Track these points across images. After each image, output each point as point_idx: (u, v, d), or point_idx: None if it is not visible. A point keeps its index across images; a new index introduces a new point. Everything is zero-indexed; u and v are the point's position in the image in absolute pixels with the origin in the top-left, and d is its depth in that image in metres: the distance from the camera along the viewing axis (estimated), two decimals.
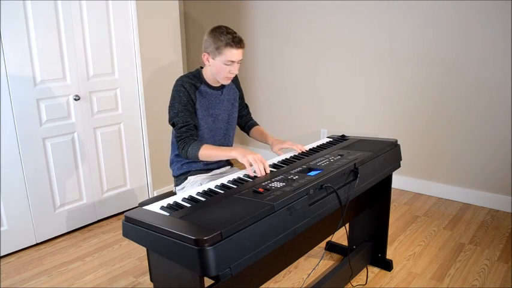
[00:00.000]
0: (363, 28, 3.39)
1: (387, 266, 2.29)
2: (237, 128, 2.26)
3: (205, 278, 1.23)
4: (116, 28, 2.90)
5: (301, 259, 2.43)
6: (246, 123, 2.26)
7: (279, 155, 2.02)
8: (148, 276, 2.32)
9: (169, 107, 1.92)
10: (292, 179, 1.57)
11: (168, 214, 1.34)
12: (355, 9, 3.39)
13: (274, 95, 4.12)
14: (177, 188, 2.09)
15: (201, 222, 1.24)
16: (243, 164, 1.71)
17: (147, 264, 2.36)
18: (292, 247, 1.75)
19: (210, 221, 1.24)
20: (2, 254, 2.57)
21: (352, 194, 1.72)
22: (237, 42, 1.82)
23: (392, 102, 3.37)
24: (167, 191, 2.47)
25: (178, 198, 1.50)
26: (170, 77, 3.28)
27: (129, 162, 3.12)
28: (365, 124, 3.56)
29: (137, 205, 3.05)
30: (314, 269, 2.34)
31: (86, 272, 2.39)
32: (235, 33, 1.84)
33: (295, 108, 3.99)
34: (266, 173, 1.68)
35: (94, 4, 2.76)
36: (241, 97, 2.21)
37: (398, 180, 3.47)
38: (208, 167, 2.08)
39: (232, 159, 1.82)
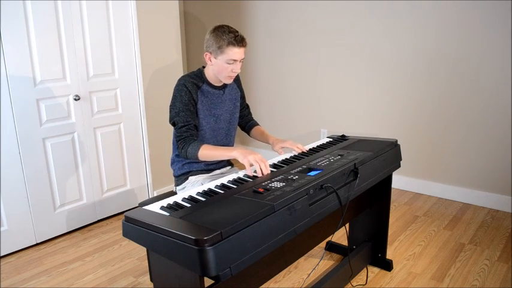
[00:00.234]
0: (363, 28, 3.39)
1: (387, 266, 2.29)
2: (238, 128, 2.26)
3: (205, 278, 1.23)
4: (116, 28, 2.90)
5: (301, 259, 2.43)
6: (247, 123, 2.26)
7: (280, 154, 2.02)
8: (148, 276, 2.32)
9: (170, 106, 1.92)
10: (292, 179, 1.57)
11: (168, 214, 1.34)
12: (355, 9, 3.39)
13: (274, 94, 4.12)
14: (178, 187, 2.09)
15: (201, 222, 1.24)
16: (243, 164, 1.71)
17: (147, 264, 2.36)
18: (292, 247, 1.75)
19: (210, 221, 1.24)
20: (2, 254, 2.57)
21: (352, 194, 1.72)
22: (239, 41, 1.82)
23: (393, 102, 3.37)
24: (167, 191, 2.47)
25: (178, 198, 1.50)
26: (170, 77, 3.28)
27: (129, 162, 3.12)
28: (365, 124, 3.56)
29: (137, 205, 3.05)
30: (314, 269, 2.34)
31: (86, 272, 2.39)
32: (237, 32, 1.84)
33: (295, 108, 3.99)
34: (267, 173, 1.68)
35: (94, 4, 2.76)
36: (243, 97, 2.21)
37: (399, 180, 3.47)
38: (209, 167, 2.08)
39: (233, 159, 1.82)
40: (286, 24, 3.86)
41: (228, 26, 1.85)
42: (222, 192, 1.52)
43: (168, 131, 3.31)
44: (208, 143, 1.99)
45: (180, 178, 2.07)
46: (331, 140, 2.26)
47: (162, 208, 1.41)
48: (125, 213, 1.37)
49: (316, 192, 1.53)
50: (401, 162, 2.76)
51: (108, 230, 2.91)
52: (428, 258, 2.41)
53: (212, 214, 1.29)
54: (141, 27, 3.03)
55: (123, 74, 2.99)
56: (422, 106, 3.22)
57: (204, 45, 1.90)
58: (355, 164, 1.75)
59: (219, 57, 1.85)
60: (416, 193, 3.39)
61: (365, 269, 2.29)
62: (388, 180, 2.19)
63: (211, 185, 1.62)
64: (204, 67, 1.99)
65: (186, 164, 2.05)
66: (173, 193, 2.13)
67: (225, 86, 2.03)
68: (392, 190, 3.44)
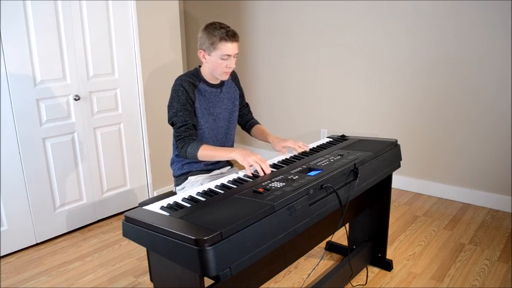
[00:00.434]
0: (363, 28, 3.39)
1: (387, 266, 2.29)
2: (238, 127, 2.26)
3: (205, 278, 1.23)
4: (116, 28, 2.90)
5: (301, 259, 2.43)
6: (247, 122, 2.25)
7: (282, 153, 2.00)
8: (148, 276, 2.32)
9: (168, 106, 1.92)
10: (292, 179, 1.57)
11: (168, 214, 1.34)
12: (355, 9, 3.39)
13: (274, 94, 4.12)
14: (178, 188, 2.09)
15: (201, 222, 1.24)
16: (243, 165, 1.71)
17: (147, 264, 2.36)
18: (292, 247, 1.75)
19: (210, 221, 1.24)
20: (2, 254, 2.57)
21: (352, 194, 1.72)
22: (231, 35, 1.83)
23: (393, 102, 3.37)
24: (167, 191, 2.47)
25: (178, 198, 1.50)
26: (170, 76, 3.28)
27: (129, 162, 3.12)
28: (365, 124, 3.56)
29: (137, 205, 3.05)
30: (314, 269, 2.34)
31: (86, 272, 2.39)
32: (228, 27, 1.84)
33: (295, 108, 3.99)
34: (267, 174, 1.68)
35: (94, 4, 2.76)
36: (242, 96, 2.20)
37: (399, 180, 3.47)
38: (209, 167, 2.07)
39: (233, 159, 1.83)
40: (286, 24, 3.86)
41: (219, 23, 1.85)
42: (222, 192, 1.52)
43: (168, 131, 3.31)
44: (208, 142, 1.99)
45: (180, 178, 2.07)
46: (331, 140, 2.26)
47: (162, 208, 1.41)
48: (124, 213, 1.37)
49: (316, 192, 1.53)
50: (401, 162, 2.76)
51: (108, 230, 2.91)
52: (428, 258, 2.41)
53: (212, 214, 1.29)
54: (141, 27, 3.03)
55: (123, 74, 2.99)
56: (422, 106, 3.22)
57: (198, 44, 1.90)
58: (355, 164, 1.75)
59: (213, 53, 1.85)
60: (416, 193, 3.39)
61: (365, 269, 2.29)
62: (388, 180, 2.19)
63: (211, 185, 1.62)
64: (200, 66, 1.99)
65: (185, 164, 2.05)
66: (173, 193, 2.13)
67: (222, 84, 2.03)
68: (392, 190, 3.44)
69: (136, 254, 2.57)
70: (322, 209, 1.55)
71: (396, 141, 2.11)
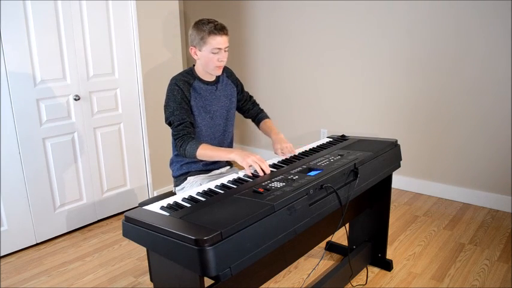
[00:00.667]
0: (363, 28, 3.39)
1: (387, 266, 2.29)
2: (236, 126, 2.24)
3: (205, 278, 1.23)
4: (116, 28, 2.90)
5: (301, 259, 2.43)
6: (255, 117, 2.21)
7: (278, 154, 1.97)
8: (148, 276, 2.32)
9: (164, 106, 1.93)
10: (292, 179, 1.57)
11: (168, 214, 1.34)
12: (355, 9, 3.39)
13: (274, 95, 4.12)
14: (177, 188, 2.09)
15: (201, 222, 1.24)
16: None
17: (147, 264, 2.36)
18: (292, 247, 1.75)
19: (210, 221, 1.24)
20: (2, 254, 2.57)
21: (352, 194, 1.72)
22: (219, 29, 1.84)
23: (392, 102, 3.37)
24: (167, 191, 2.47)
25: (178, 198, 1.50)
26: (170, 76, 3.24)
27: (129, 162, 3.12)
28: (365, 124, 3.56)
29: (137, 205, 3.05)
30: (314, 269, 2.34)
31: (86, 272, 2.39)
32: (216, 21, 1.86)
33: (295, 108, 3.99)
34: (267, 173, 1.68)
35: (94, 4, 2.76)
36: (242, 90, 2.18)
37: (399, 180, 3.47)
38: (208, 167, 2.07)
39: (232, 160, 1.83)
40: (286, 24, 3.86)
41: (207, 18, 1.87)
42: (222, 192, 1.52)
43: (168, 131, 3.30)
44: (206, 140, 1.99)
45: (179, 179, 2.07)
46: (331, 140, 2.26)
47: (162, 208, 1.41)
48: (125, 213, 1.37)
49: (316, 192, 1.53)
50: (401, 162, 2.76)
51: (108, 230, 2.91)
52: (428, 258, 2.41)
53: (212, 214, 1.29)
54: (141, 27, 3.03)
55: (123, 74, 2.99)
56: (422, 106, 3.22)
57: (189, 41, 1.92)
58: (355, 164, 1.75)
59: (203, 48, 1.86)
60: (416, 193, 3.39)
61: (365, 269, 2.29)
62: (388, 180, 2.19)
63: (211, 185, 1.62)
64: (194, 65, 2.00)
65: (184, 165, 2.05)
66: (173, 193, 2.12)
67: (217, 81, 2.03)
68: (392, 190, 3.44)
69: (137, 254, 2.57)
70: (322, 209, 1.55)
71: (396, 141, 2.11)
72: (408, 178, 3.42)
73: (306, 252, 1.86)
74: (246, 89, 2.26)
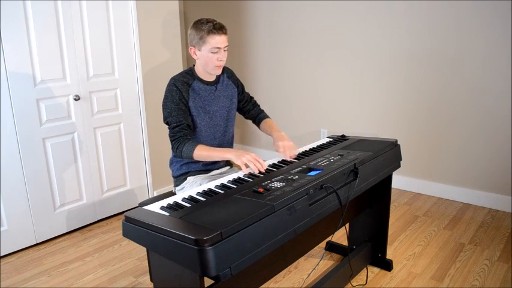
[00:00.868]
0: (363, 28, 3.39)
1: (387, 266, 2.29)
2: (237, 126, 2.23)
3: (205, 278, 1.23)
4: (116, 28, 2.90)
5: (301, 259, 2.43)
6: (256, 117, 2.20)
7: (279, 152, 1.94)
8: (148, 276, 2.32)
9: (162, 105, 1.93)
10: (292, 179, 1.57)
11: (168, 214, 1.34)
12: (354, 9, 3.39)
13: (274, 95, 4.12)
14: (177, 188, 2.09)
15: (201, 222, 1.24)
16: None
17: (147, 264, 2.36)
18: (292, 247, 1.75)
19: (210, 221, 1.24)
20: (2, 254, 2.57)
21: (352, 194, 1.72)
22: (218, 28, 1.84)
23: (393, 102, 3.37)
24: (167, 191, 2.47)
25: (178, 198, 1.50)
26: (170, 76, 3.26)
27: (129, 162, 3.12)
28: (365, 124, 3.56)
29: (137, 205, 3.05)
30: (314, 269, 2.34)
31: (86, 272, 2.39)
32: (215, 20, 1.86)
33: (295, 108, 3.99)
34: (263, 171, 1.69)
35: (94, 4, 2.76)
36: (242, 91, 2.18)
37: (399, 180, 3.47)
38: (208, 167, 2.07)
39: (229, 159, 1.83)
40: (286, 24, 3.86)
41: (206, 18, 1.87)
42: (222, 192, 1.52)
43: (167, 131, 3.30)
44: (205, 141, 1.99)
45: (179, 179, 2.07)
46: (331, 140, 2.26)
47: (162, 208, 1.41)
48: (125, 213, 1.37)
49: (316, 192, 1.53)
50: (401, 162, 2.76)
51: (108, 230, 2.91)
52: (428, 258, 2.41)
53: (212, 214, 1.29)
54: (141, 27, 3.03)
55: (123, 74, 2.99)
56: (422, 106, 3.22)
57: (188, 41, 1.92)
58: (355, 164, 1.75)
59: (203, 48, 1.86)
60: (416, 193, 3.39)
61: (365, 269, 2.29)
62: (388, 180, 2.19)
63: (211, 185, 1.62)
64: (194, 65, 2.00)
65: (184, 165, 2.05)
66: (173, 193, 2.13)
67: (217, 82, 2.03)
68: (392, 190, 3.44)
69: (137, 254, 2.57)
70: (322, 209, 1.55)
71: (396, 141, 2.11)
72: (408, 178, 3.42)
73: (306, 252, 1.86)
74: (246, 89, 2.26)
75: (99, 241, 2.75)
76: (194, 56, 1.92)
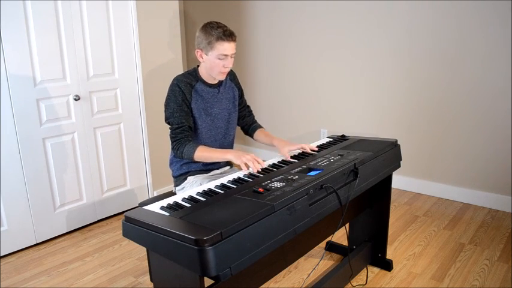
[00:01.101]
0: (363, 28, 3.39)
1: (387, 266, 2.29)
2: (238, 127, 2.24)
3: (205, 278, 1.23)
4: (116, 28, 2.90)
5: (301, 259, 2.43)
6: (250, 125, 2.21)
7: (285, 157, 1.91)
8: (148, 276, 2.32)
9: (165, 105, 1.93)
10: (292, 179, 1.57)
11: (168, 214, 1.34)
12: (355, 9, 3.39)
13: (274, 95, 4.12)
14: (177, 188, 2.09)
15: (201, 222, 1.24)
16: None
17: (147, 264, 2.36)
18: (292, 247, 1.75)
19: (210, 221, 1.24)
20: (2, 254, 2.57)
21: (352, 194, 1.72)
22: (228, 35, 1.82)
23: (393, 102, 3.37)
24: (167, 191, 2.47)
25: (178, 198, 1.50)
26: (170, 77, 3.27)
27: (129, 162, 3.12)
28: (365, 124, 3.56)
29: (137, 205, 3.05)
30: (314, 269, 2.34)
31: (86, 272, 2.39)
32: (225, 26, 1.84)
33: (295, 108, 3.99)
34: (263, 170, 1.70)
35: (94, 4, 2.76)
36: (241, 95, 2.18)
37: (399, 180, 3.47)
38: (208, 167, 2.07)
39: (228, 160, 1.84)
40: (286, 24, 3.86)
41: (217, 22, 1.85)
42: (222, 192, 1.52)
43: (168, 131, 3.30)
44: (206, 143, 1.99)
45: (179, 179, 2.07)
46: (331, 140, 2.26)
47: (162, 208, 1.41)
48: (125, 213, 1.37)
49: (316, 192, 1.53)
50: (401, 162, 2.76)
51: (108, 230, 2.91)
52: (428, 258, 2.41)
53: (212, 214, 1.29)
54: (141, 27, 3.03)
55: (123, 74, 2.99)
56: (422, 106, 3.22)
57: (195, 43, 1.90)
58: (355, 164, 1.75)
59: (210, 53, 1.85)
60: (416, 193, 3.39)
61: (365, 269, 2.29)
62: (388, 180, 2.19)
63: (211, 185, 1.62)
64: (198, 66, 1.99)
65: (184, 165, 2.05)
66: (173, 193, 2.13)
67: (220, 84, 2.02)
68: (392, 190, 3.44)
69: (137, 254, 2.57)
70: (322, 209, 1.55)
71: (396, 141, 2.11)
72: (408, 178, 3.42)
73: (306, 252, 1.86)
74: (246, 90, 2.27)
75: (99, 241, 2.75)
76: (200, 59, 1.91)
